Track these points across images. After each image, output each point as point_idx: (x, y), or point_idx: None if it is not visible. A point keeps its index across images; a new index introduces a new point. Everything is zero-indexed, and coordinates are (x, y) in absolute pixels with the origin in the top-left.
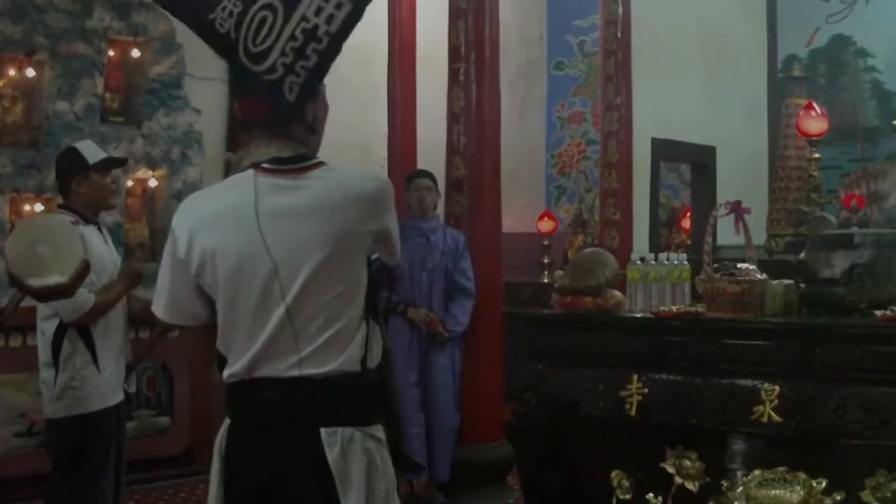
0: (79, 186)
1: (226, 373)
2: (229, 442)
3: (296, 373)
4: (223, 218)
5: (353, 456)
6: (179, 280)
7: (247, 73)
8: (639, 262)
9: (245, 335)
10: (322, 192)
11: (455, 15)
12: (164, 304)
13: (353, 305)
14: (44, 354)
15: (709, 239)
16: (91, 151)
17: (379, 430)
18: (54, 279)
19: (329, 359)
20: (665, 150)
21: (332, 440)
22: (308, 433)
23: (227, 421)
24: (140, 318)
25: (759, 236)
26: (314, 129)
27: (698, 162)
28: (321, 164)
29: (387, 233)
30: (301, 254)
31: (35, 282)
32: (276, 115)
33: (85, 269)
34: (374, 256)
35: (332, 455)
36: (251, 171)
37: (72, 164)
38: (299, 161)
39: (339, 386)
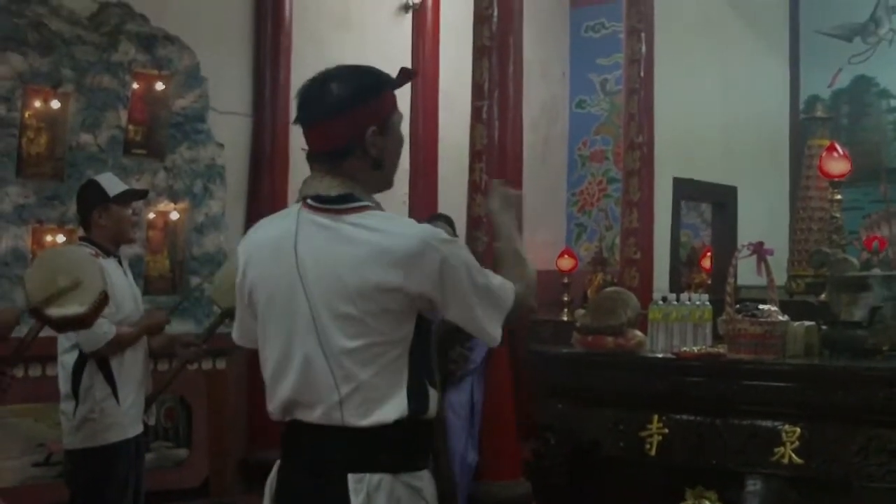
0: (99, 218)
1: (268, 408)
2: (274, 481)
3: (325, 419)
4: (268, 248)
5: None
6: (242, 304)
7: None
8: (660, 303)
9: (275, 371)
10: (350, 241)
11: (479, 52)
12: (235, 325)
13: (387, 359)
14: (64, 386)
15: (731, 280)
16: (112, 184)
17: (418, 479)
18: (73, 309)
19: (359, 408)
20: (686, 190)
21: (359, 487)
22: (336, 479)
23: (278, 461)
24: (160, 352)
25: (781, 277)
26: (380, 165)
27: (719, 201)
28: (365, 207)
29: (426, 297)
30: (327, 297)
31: (54, 312)
32: (333, 149)
33: (104, 300)
34: (441, 318)
35: (355, 502)
36: (298, 205)
37: (92, 196)
38: (341, 202)
39: (370, 434)
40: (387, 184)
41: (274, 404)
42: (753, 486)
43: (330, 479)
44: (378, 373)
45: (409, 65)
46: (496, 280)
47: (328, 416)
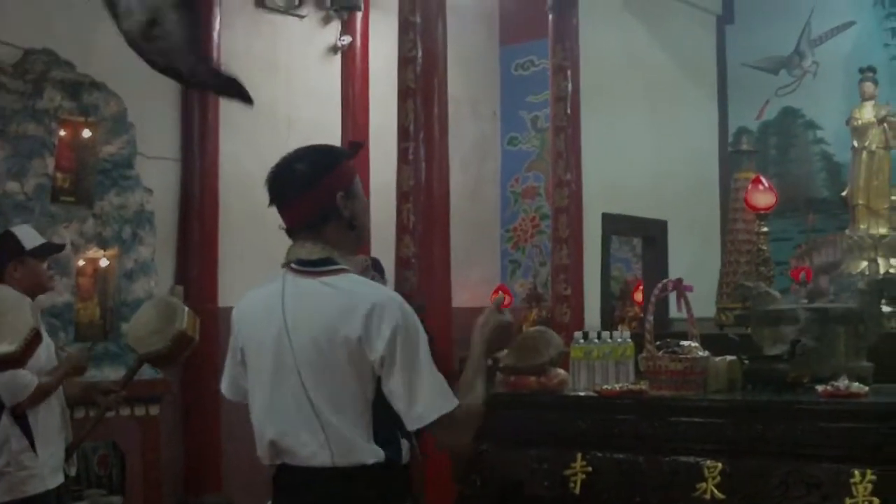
0: (14, 271)
1: (258, 453)
2: None
3: (310, 461)
4: (259, 308)
5: None
6: (234, 361)
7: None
8: (581, 341)
9: (264, 418)
10: (325, 297)
11: (404, 94)
12: (225, 382)
13: (355, 410)
14: None
15: (650, 317)
16: (28, 237)
17: None
18: (3, 348)
19: (340, 450)
20: (616, 225)
21: None
22: None
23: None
24: (78, 400)
25: (711, 309)
26: (353, 226)
27: (649, 236)
28: (342, 270)
29: (377, 354)
30: (306, 349)
31: None
32: (309, 220)
33: (35, 337)
34: None
35: None
36: (284, 270)
37: (8, 248)
38: (321, 265)
39: (351, 473)
40: (361, 241)
41: (263, 449)
42: None
43: None
44: (349, 421)
45: (338, 106)
46: (442, 379)
47: (313, 457)
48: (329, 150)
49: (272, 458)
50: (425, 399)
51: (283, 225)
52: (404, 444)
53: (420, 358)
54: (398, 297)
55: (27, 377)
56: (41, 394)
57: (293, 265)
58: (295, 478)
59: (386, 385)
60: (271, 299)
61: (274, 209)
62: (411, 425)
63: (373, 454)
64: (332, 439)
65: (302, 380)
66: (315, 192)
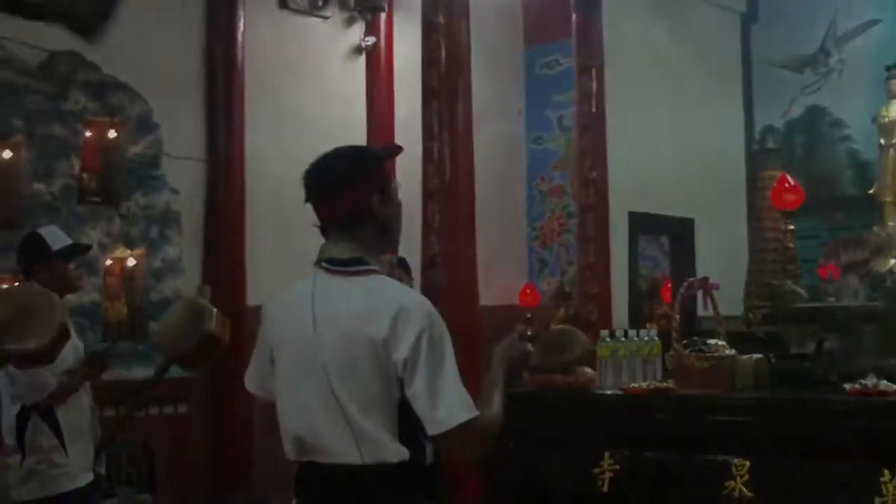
0: (41, 273)
1: (284, 449)
2: None
3: (338, 459)
4: (290, 306)
5: None
6: (262, 357)
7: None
8: (608, 339)
9: (291, 416)
10: (354, 298)
11: (428, 95)
12: (251, 376)
13: (381, 411)
14: (9, 440)
15: (677, 316)
16: (55, 238)
17: None
18: (33, 343)
19: (367, 448)
20: (642, 223)
21: None
22: None
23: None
24: (106, 400)
25: (739, 307)
26: (386, 227)
27: (676, 234)
28: (372, 271)
29: (402, 358)
30: (334, 348)
31: (13, 347)
32: (344, 218)
33: (64, 333)
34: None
35: None
36: (315, 268)
37: (35, 250)
38: (352, 265)
39: (378, 471)
40: (393, 243)
41: (289, 444)
42: None
43: None
44: (375, 420)
45: (363, 106)
46: (464, 389)
47: (341, 455)
48: (368, 150)
49: (299, 454)
50: (448, 405)
51: (318, 223)
52: (428, 445)
53: (445, 364)
54: (426, 302)
55: (48, 377)
56: (62, 393)
57: (324, 264)
58: (321, 475)
59: (409, 388)
60: (301, 298)
61: (304, 207)
62: (432, 430)
63: (398, 453)
64: (360, 437)
65: (329, 378)
66: (352, 191)
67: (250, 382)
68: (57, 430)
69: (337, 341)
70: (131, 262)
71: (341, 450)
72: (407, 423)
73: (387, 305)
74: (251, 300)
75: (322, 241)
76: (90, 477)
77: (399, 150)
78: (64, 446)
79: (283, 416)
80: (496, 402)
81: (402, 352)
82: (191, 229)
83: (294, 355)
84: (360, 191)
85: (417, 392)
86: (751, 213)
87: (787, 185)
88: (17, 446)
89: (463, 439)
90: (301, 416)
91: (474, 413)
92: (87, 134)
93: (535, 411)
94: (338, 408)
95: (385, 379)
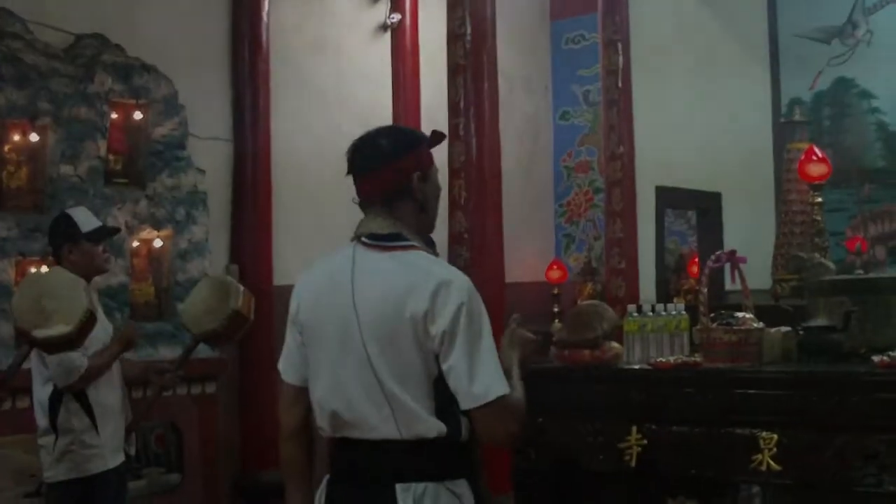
0: (69, 254)
1: (318, 425)
2: (323, 495)
3: (374, 434)
4: (324, 282)
5: None
6: (292, 339)
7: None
8: (635, 314)
9: (327, 392)
10: (395, 273)
11: (454, 71)
12: (283, 359)
13: (418, 386)
14: (41, 420)
15: (704, 289)
16: (85, 220)
17: (458, 486)
18: (59, 329)
19: (404, 423)
20: (669, 198)
21: (406, 495)
22: (385, 489)
23: (327, 475)
24: (135, 380)
25: (767, 281)
26: (423, 208)
27: (703, 208)
28: (412, 247)
29: (440, 332)
30: (373, 323)
31: (40, 333)
32: (384, 194)
33: (90, 319)
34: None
35: None
36: (353, 243)
37: (64, 231)
38: (391, 239)
39: (414, 447)
40: (430, 226)
41: (324, 420)
42: (734, 493)
43: (379, 489)
44: (413, 394)
45: (388, 84)
46: (500, 365)
47: (378, 429)
48: (412, 131)
49: (333, 430)
50: (484, 380)
51: (356, 198)
52: (464, 421)
53: (483, 339)
54: (466, 278)
55: (78, 359)
56: (94, 374)
57: (364, 239)
58: (357, 451)
59: (445, 361)
60: (339, 273)
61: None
62: (467, 403)
63: (435, 428)
64: (398, 412)
65: (368, 352)
66: (394, 167)
67: (284, 367)
68: (89, 411)
69: (377, 317)
70: (158, 243)
71: (378, 424)
72: (443, 400)
73: (427, 280)
74: (278, 280)
75: (350, 217)
76: (121, 458)
77: (443, 137)
78: (96, 427)
79: (318, 391)
80: (518, 386)
81: (440, 325)
82: (217, 210)
83: (331, 330)
84: (402, 167)
85: (454, 365)
86: (778, 187)
87: (814, 157)
88: (50, 428)
89: (498, 414)
90: (337, 391)
91: (508, 388)
92: (114, 116)
93: (563, 387)
94: (376, 382)
95: (424, 354)
